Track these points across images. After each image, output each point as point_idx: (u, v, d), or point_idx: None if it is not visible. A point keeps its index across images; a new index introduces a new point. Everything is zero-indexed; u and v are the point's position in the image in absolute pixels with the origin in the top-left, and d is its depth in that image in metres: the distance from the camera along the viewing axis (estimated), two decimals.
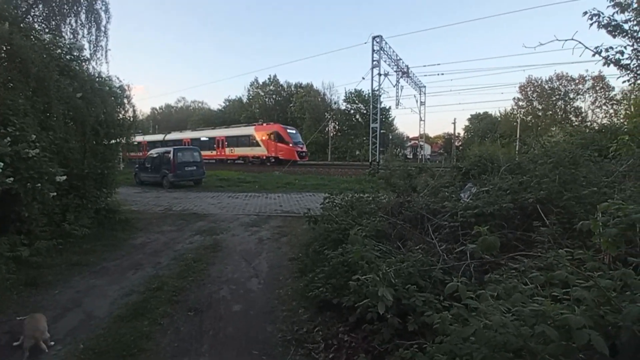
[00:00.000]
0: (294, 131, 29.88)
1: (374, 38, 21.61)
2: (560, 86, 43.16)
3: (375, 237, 3.65)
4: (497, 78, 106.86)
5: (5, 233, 4.78)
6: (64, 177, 5.26)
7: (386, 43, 22.61)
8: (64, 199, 5.94)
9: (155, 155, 16.17)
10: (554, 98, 43.13)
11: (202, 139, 34.21)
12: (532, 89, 44.83)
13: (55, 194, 5.22)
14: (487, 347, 1.31)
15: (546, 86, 43.83)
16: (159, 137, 39.44)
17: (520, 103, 45.60)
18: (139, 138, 38.90)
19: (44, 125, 5.54)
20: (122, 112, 7.58)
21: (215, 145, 32.48)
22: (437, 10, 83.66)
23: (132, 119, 7.79)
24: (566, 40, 3.53)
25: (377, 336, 2.64)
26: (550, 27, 59.27)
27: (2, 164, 4.20)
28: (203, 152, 29.35)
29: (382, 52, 22.08)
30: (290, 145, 27.49)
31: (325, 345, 2.90)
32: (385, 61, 23.19)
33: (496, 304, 1.47)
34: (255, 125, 31.39)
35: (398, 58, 24.88)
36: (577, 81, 41.96)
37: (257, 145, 28.63)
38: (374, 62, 21.70)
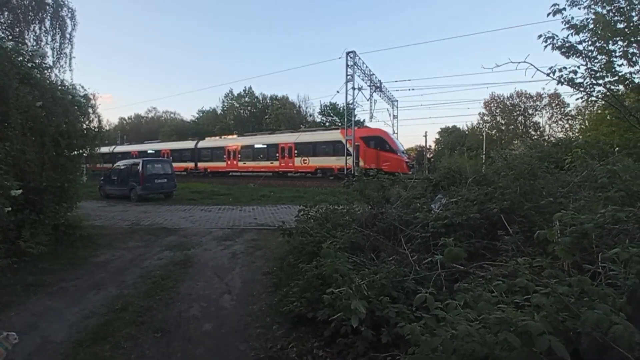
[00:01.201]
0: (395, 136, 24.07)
1: (347, 53, 22.21)
2: (520, 102, 46.21)
3: (350, 249, 3.67)
4: (464, 94, 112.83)
5: None
6: (20, 191, 4.91)
7: (359, 58, 23.30)
8: (19, 215, 5.54)
9: (122, 167, 15.50)
10: (515, 113, 46.06)
11: (257, 146, 27.56)
12: (495, 104, 47.68)
13: (10, 209, 4.84)
14: (455, 356, 1.34)
15: (508, 102, 46.79)
16: (176, 145, 35.12)
17: (485, 118, 48.28)
18: (139, 147, 36.26)
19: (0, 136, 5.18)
20: (87, 122, 7.24)
21: (277, 154, 25.88)
22: (409, 28, 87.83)
23: (97, 129, 7.44)
24: (519, 62, 3.82)
25: (351, 350, 2.63)
26: (512, 47, 63.73)
27: None
28: (252, 164, 27.07)
29: (355, 67, 22.69)
30: (398, 154, 21.70)
31: None
32: (359, 76, 23.81)
33: (464, 313, 1.52)
34: (342, 128, 23.61)
35: (371, 73, 25.65)
36: (535, 98, 45.15)
37: (347, 153, 21.69)
38: (348, 77, 22.25)
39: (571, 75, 5.46)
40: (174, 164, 30.13)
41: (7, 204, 4.79)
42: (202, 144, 32.69)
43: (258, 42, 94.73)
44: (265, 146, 27.03)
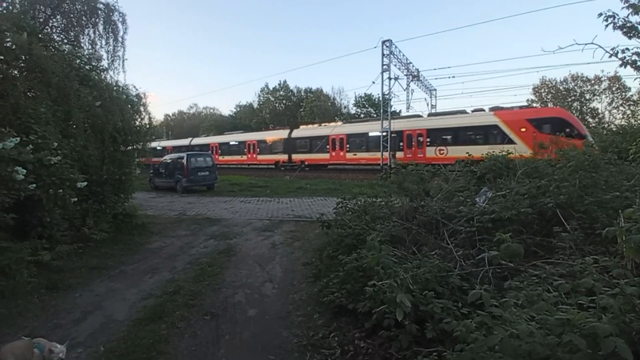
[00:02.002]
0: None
1: (383, 42, 21.59)
2: (576, 87, 42.19)
3: (390, 242, 3.63)
4: (510, 80, 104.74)
5: (27, 238, 4.93)
6: (85, 183, 5.41)
7: (396, 47, 22.56)
8: (84, 204, 6.11)
9: (169, 161, 16.48)
10: (570, 99, 42.15)
11: (371, 134, 22.26)
12: (546, 90, 43.95)
13: (75, 199, 5.37)
14: (511, 356, 1.29)
15: (561, 87, 42.91)
16: (268, 134, 30.19)
17: (535, 105, 44.76)
18: (218, 138, 34.66)
19: (64, 133, 5.73)
20: (139, 119, 7.80)
21: (400, 144, 20.90)
22: (447, 12, 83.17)
23: (148, 126, 7.99)
24: (586, 44, 3.47)
25: (394, 343, 2.62)
26: (564, 27, 58.19)
27: (25, 170, 4.34)
28: (365, 155, 22.20)
29: (392, 56, 22.02)
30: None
31: (342, 351, 2.88)
32: (395, 65, 23.09)
33: (519, 312, 1.45)
34: (498, 109, 18.40)
35: (408, 62, 24.77)
36: (592, 82, 40.97)
37: (507, 140, 15.98)
38: (384, 66, 21.65)
39: (634, 57, 4.89)
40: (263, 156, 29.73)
41: (74, 195, 5.32)
42: (297, 133, 28.25)
43: (292, 35, 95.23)
44: (381, 135, 20.78)
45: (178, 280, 4.65)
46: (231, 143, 33.57)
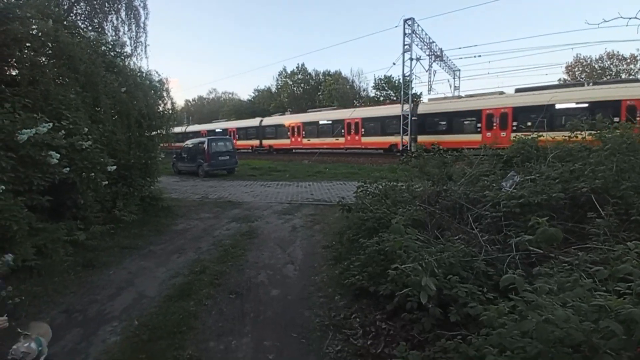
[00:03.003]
0: None
1: (405, 21, 20.77)
2: (612, 66, 39.36)
3: (412, 226, 3.59)
4: (540, 58, 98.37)
5: (63, 219, 5.21)
6: (114, 167, 5.63)
7: (418, 25, 21.67)
8: (114, 188, 6.37)
9: (191, 146, 16.86)
10: (605, 78, 39.48)
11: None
12: (580, 69, 41.26)
13: (106, 182, 5.60)
14: (542, 341, 1.27)
15: (596, 66, 40.15)
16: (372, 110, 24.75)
17: None
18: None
19: (93, 118, 5.93)
20: (162, 105, 7.95)
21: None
22: None
23: (171, 111, 8.14)
24: (630, 18, 3.19)
25: (416, 325, 2.64)
26: (597, 1, 53.75)
27: (58, 155, 4.55)
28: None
29: (414, 35, 21.20)
30: None
31: (363, 331, 2.94)
32: (417, 45, 22.24)
33: (553, 298, 1.42)
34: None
35: (431, 41, 23.80)
36: (628, 61, 38.05)
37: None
38: (406, 47, 20.91)
39: None
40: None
41: (104, 178, 5.54)
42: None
43: (311, 16, 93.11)
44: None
45: (203, 261, 4.82)
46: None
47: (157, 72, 8.06)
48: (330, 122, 26.58)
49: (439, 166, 5.40)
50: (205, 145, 15.48)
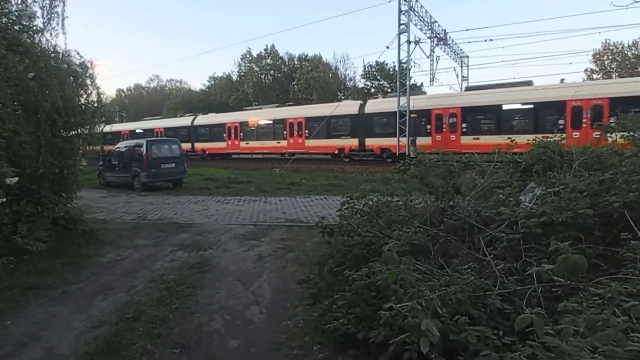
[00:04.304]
0: None
1: None
2: None
3: (411, 253, 3.64)
4: (563, 44, 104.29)
5: None
6: (16, 179, 5.39)
7: (417, 1, 22.48)
8: (15, 207, 6.10)
9: (123, 150, 16.47)
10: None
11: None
12: (610, 56, 43.93)
13: (4, 199, 5.36)
14: None
15: (629, 53, 42.90)
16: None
17: (595, 76, 44.75)
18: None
19: None
20: (84, 96, 7.75)
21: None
22: None
23: (96, 104, 7.95)
24: None
25: None
26: None
27: None
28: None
29: (412, 12, 21.95)
30: None
31: None
32: (416, 25, 23.07)
33: (580, 343, 1.46)
34: None
35: (433, 21, 24.72)
36: None
37: None
38: (402, 27, 21.59)
39: None
40: None
41: (2, 194, 5.30)
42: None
43: None
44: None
45: (138, 303, 4.69)
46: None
47: (78, 53, 7.82)
48: (271, 122, 27.45)
49: (443, 176, 5.53)
50: (144, 149, 15.17)
